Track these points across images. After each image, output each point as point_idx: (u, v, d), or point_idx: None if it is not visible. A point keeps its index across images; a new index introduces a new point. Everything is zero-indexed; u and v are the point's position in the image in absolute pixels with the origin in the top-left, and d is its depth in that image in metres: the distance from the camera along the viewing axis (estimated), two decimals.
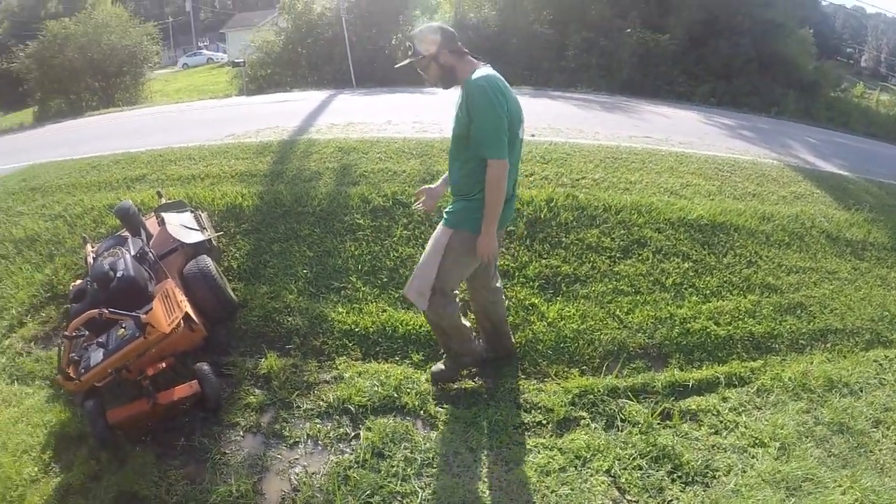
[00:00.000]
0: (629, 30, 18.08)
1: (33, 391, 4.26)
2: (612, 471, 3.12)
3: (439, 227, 3.34)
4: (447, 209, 3.34)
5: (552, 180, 5.86)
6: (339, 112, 10.24)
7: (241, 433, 3.50)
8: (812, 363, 4.10)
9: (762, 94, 17.96)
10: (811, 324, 4.55)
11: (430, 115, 9.10)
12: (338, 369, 3.93)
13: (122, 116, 14.96)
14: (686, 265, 4.84)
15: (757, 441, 3.36)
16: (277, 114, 10.15)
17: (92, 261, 4.22)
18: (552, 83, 16.66)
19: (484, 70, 3.10)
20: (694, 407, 3.59)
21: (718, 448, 3.30)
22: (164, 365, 3.60)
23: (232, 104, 14.92)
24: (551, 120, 9.37)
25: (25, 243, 5.90)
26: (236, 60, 20.99)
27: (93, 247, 4.66)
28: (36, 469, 3.49)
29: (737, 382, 3.87)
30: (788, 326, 4.45)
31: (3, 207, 6.77)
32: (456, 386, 3.75)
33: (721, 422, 3.50)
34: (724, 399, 3.69)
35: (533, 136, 7.79)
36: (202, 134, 8.86)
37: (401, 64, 3.37)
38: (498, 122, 2.99)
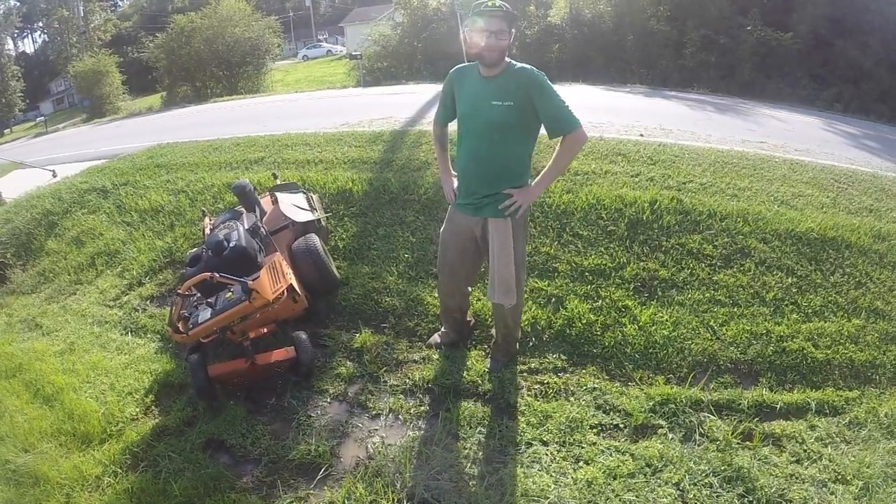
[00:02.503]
0: (749, 27, 17.18)
1: (144, 343, 4.74)
2: (682, 484, 3.02)
3: (494, 223, 3.35)
4: (488, 203, 3.36)
5: (658, 182, 5.73)
6: None
7: (328, 400, 3.74)
8: None
9: (892, 100, 16.54)
10: None
11: None
12: (427, 351, 4.08)
13: (244, 103, 15.83)
14: (789, 280, 4.59)
15: (839, 477, 3.13)
16: (391, 105, 10.44)
17: (209, 231, 4.58)
18: (669, 83, 16.13)
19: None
20: (778, 431, 3.40)
21: (797, 478, 3.10)
22: (265, 330, 3.91)
23: (348, 95, 15.46)
24: (662, 120, 9.14)
25: (150, 213, 6.50)
26: (354, 53, 21.74)
27: (210, 220, 5.04)
28: (137, 409, 3.90)
29: (828, 411, 3.60)
30: (893, 357, 4.08)
31: (132, 181, 7.45)
32: (539, 379, 3.80)
33: (804, 451, 3.28)
34: (812, 427, 3.46)
35: (642, 135, 7.64)
36: (318, 122, 9.30)
37: (489, 7, 3.10)
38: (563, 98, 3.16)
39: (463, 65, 3.43)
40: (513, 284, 3.38)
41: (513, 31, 3.20)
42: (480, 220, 3.42)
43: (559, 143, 3.25)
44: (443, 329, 4.12)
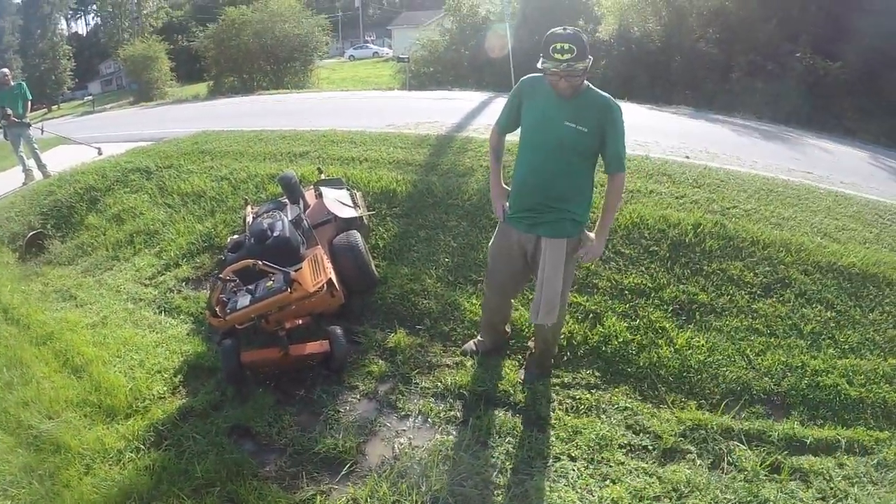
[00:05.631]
0: (798, 54, 16.89)
1: (177, 323, 4.81)
2: None
3: (550, 243, 3.28)
4: (545, 221, 3.30)
5: (702, 205, 5.64)
6: (498, 114, 10.14)
7: (358, 397, 3.75)
8: None
9: None
10: None
11: None
12: (461, 356, 4.06)
13: (289, 98, 16.04)
14: (828, 314, 4.48)
15: None
16: (437, 110, 10.48)
17: (251, 220, 4.63)
18: (714, 106, 15.84)
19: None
20: (806, 466, 3.32)
21: None
22: (300, 322, 3.93)
23: (394, 97, 15.58)
24: (708, 143, 9.05)
25: (192, 198, 6.61)
26: (401, 56, 21.92)
27: (253, 209, 5.10)
28: (165, 388, 3.94)
29: (857, 450, 3.51)
30: None
31: (175, 164, 7.59)
32: (571, 393, 3.77)
33: (831, 488, 3.20)
34: (840, 465, 3.38)
35: (688, 157, 7.56)
36: (364, 121, 9.36)
37: (564, 66, 2.96)
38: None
39: (535, 75, 3.27)
40: (557, 304, 3.33)
41: (588, 59, 3.01)
42: (533, 238, 3.35)
43: (610, 183, 3.29)
44: (479, 337, 4.09)
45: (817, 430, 3.61)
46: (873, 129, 15.63)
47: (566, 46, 2.93)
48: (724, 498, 3.04)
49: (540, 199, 3.29)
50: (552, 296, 3.30)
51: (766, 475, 3.24)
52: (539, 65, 3.06)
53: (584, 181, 3.30)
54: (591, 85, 3.18)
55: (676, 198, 5.80)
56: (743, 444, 3.43)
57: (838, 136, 14.13)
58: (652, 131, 9.33)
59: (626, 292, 4.53)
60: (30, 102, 9.53)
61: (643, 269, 4.74)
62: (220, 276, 3.83)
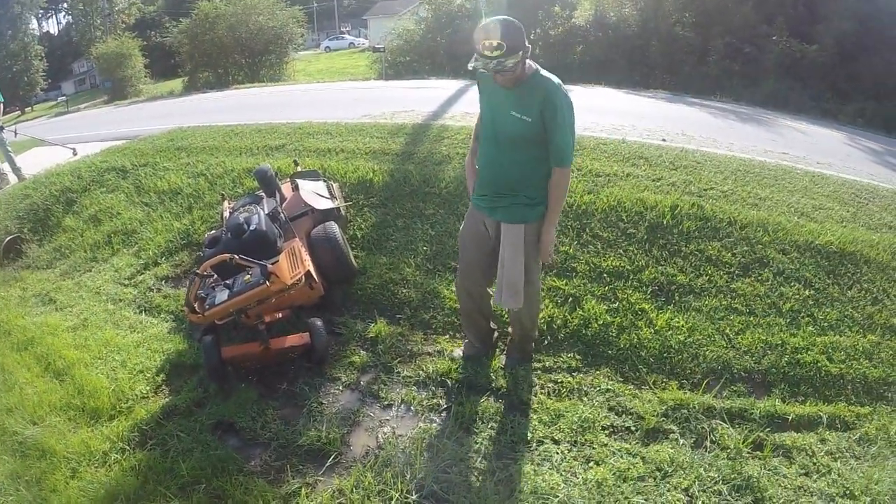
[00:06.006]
0: (774, 37, 17.01)
1: (158, 322, 4.76)
2: (691, 490, 2.99)
3: (507, 228, 3.28)
4: (501, 206, 3.30)
5: (679, 187, 5.67)
6: (474, 102, 10.03)
7: (341, 388, 3.74)
8: None
9: None
10: None
11: None
12: (441, 344, 4.08)
13: (265, 91, 15.90)
14: (807, 292, 4.53)
15: (847, 492, 3.07)
16: (413, 99, 10.44)
17: (228, 215, 4.59)
18: (692, 89, 15.92)
19: (543, 69, 3.09)
20: (788, 442, 3.35)
21: (805, 491, 3.06)
22: (280, 315, 3.92)
23: (370, 87, 15.50)
24: (685, 126, 9.09)
25: (168, 195, 6.54)
26: (377, 46, 21.84)
27: (230, 203, 5.05)
28: (148, 388, 3.92)
29: (839, 426, 3.55)
30: None
31: (152, 162, 7.50)
32: (553, 377, 3.78)
33: (814, 464, 3.24)
34: (822, 441, 3.41)
35: (664, 140, 7.59)
36: (340, 112, 9.31)
37: (493, 65, 2.86)
38: (574, 131, 3.09)
39: None
40: (521, 288, 3.32)
41: (522, 51, 2.90)
42: (494, 222, 3.37)
43: (551, 177, 3.22)
44: (466, 340, 4.03)
45: (799, 407, 3.64)
46: (850, 110, 15.87)
47: (494, 43, 2.82)
48: (708, 476, 3.06)
49: (497, 188, 3.31)
50: (515, 279, 3.30)
51: (748, 452, 3.26)
52: (470, 65, 2.96)
53: (539, 167, 3.23)
54: (539, 69, 3.08)
55: (653, 180, 5.82)
56: (725, 422, 3.45)
57: (815, 117, 14.28)
58: (629, 115, 9.39)
59: (605, 275, 4.55)
60: (2, 105, 9.39)
61: (621, 251, 4.76)
62: (198, 271, 3.80)
